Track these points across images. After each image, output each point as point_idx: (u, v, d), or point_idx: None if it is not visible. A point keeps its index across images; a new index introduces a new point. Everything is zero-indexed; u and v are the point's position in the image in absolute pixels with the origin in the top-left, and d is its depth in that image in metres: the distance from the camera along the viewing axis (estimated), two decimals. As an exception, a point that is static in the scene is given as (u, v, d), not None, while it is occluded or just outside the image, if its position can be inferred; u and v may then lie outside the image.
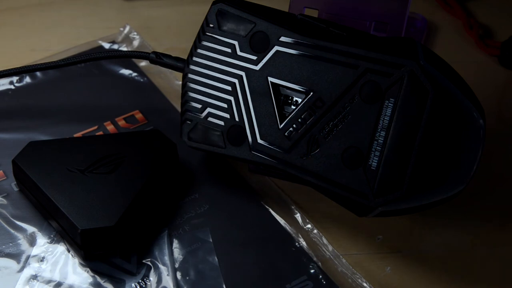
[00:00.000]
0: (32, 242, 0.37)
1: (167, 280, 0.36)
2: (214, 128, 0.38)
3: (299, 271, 0.37)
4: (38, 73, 0.47)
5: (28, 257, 0.37)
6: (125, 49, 0.50)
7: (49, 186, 0.37)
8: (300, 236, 0.38)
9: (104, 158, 0.38)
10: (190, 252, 0.37)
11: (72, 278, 0.36)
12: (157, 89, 0.47)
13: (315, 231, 0.39)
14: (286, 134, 0.36)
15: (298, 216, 0.40)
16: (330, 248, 0.38)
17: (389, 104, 0.34)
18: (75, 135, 0.43)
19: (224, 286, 0.36)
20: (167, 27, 0.53)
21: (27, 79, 0.47)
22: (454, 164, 0.35)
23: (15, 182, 0.40)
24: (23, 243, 0.37)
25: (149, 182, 0.38)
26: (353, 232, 0.39)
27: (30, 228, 0.38)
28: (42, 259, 0.37)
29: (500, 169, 0.44)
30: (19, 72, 0.44)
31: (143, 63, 0.49)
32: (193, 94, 0.38)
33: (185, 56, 0.39)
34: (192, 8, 0.55)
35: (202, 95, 0.38)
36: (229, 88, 0.37)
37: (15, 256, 0.37)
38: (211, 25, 0.38)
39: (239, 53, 0.37)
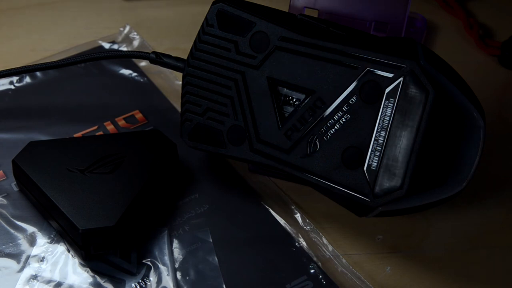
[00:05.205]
0: (32, 242, 0.37)
1: (167, 280, 0.36)
2: (214, 128, 0.38)
3: (299, 271, 0.37)
4: (38, 73, 0.47)
5: (28, 257, 0.37)
6: (125, 49, 0.50)
7: (49, 186, 0.37)
8: (300, 236, 0.38)
9: (104, 158, 0.38)
10: (190, 252, 0.37)
11: (72, 278, 0.36)
12: (157, 89, 0.47)
13: (315, 231, 0.39)
14: (286, 134, 0.36)
15: (298, 216, 0.40)
16: (330, 248, 0.38)
17: (389, 104, 0.34)
18: (75, 135, 0.43)
19: (224, 286, 0.36)
20: (167, 27, 0.53)
21: (27, 79, 0.47)
22: (454, 164, 0.35)
23: (15, 182, 0.40)
24: (23, 243, 0.37)
25: (149, 182, 0.38)
26: (353, 232, 0.39)
27: (30, 228, 0.38)
28: (42, 259, 0.37)
29: (500, 169, 0.44)
30: (19, 72, 0.44)
31: (143, 63, 0.49)
32: (193, 94, 0.38)
33: (185, 56, 0.39)
34: (192, 8, 0.55)
35: (202, 95, 0.38)
36: (229, 88, 0.37)
37: (15, 256, 0.37)
38: (211, 25, 0.38)
39: (239, 53, 0.37)
